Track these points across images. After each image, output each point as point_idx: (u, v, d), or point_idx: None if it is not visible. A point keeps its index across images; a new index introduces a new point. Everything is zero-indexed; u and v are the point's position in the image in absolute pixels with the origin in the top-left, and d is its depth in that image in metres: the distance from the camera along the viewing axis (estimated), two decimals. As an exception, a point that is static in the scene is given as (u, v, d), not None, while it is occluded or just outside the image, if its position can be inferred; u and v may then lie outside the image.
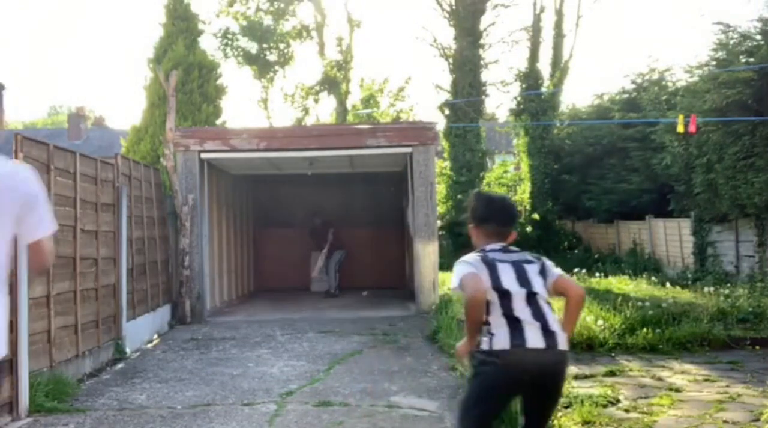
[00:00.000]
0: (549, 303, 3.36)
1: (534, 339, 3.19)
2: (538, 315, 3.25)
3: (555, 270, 3.45)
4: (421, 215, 11.18)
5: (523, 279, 3.31)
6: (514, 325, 3.20)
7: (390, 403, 5.87)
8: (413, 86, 70.52)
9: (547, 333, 3.22)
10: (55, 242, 6.40)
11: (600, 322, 8.44)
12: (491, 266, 3.30)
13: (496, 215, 3.51)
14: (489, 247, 3.44)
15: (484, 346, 3.23)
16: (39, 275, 3.92)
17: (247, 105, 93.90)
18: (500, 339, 3.19)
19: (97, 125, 38.90)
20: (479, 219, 3.51)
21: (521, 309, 3.24)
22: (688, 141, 13.92)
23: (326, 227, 14.49)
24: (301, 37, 26.29)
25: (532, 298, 3.27)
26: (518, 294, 3.26)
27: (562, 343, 3.25)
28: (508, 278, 3.28)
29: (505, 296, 3.25)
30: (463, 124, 20.26)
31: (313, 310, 12.13)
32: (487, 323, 3.25)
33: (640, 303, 9.38)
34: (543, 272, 3.39)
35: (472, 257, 3.39)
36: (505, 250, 3.44)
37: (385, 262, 15.35)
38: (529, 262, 3.40)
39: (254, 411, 5.73)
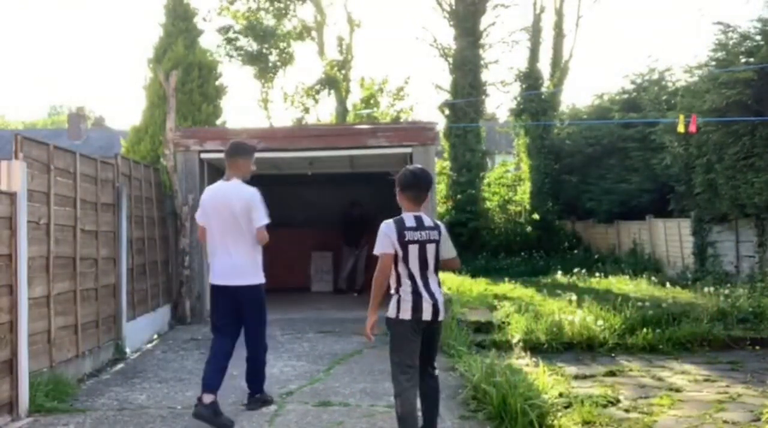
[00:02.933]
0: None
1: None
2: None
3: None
4: (421, 215, 11.18)
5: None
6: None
7: (390, 403, 5.86)
8: (413, 86, 70.68)
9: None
10: (55, 242, 6.44)
11: (600, 322, 8.45)
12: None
13: (416, 183, 4.48)
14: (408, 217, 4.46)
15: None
16: (262, 244, 5.64)
17: (247, 105, 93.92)
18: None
19: (97, 125, 38.93)
20: (402, 186, 4.50)
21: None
22: (688, 141, 13.92)
23: (364, 221, 14.36)
24: (302, 37, 26.29)
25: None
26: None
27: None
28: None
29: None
30: (463, 124, 20.25)
31: (313, 310, 12.13)
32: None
33: (640, 303, 9.39)
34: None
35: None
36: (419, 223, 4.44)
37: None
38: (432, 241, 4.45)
39: (254, 411, 5.73)
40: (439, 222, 4.57)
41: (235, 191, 5.57)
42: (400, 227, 4.37)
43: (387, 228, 4.39)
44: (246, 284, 5.54)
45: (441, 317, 4.53)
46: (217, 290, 5.66)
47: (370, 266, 14.45)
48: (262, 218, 5.52)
